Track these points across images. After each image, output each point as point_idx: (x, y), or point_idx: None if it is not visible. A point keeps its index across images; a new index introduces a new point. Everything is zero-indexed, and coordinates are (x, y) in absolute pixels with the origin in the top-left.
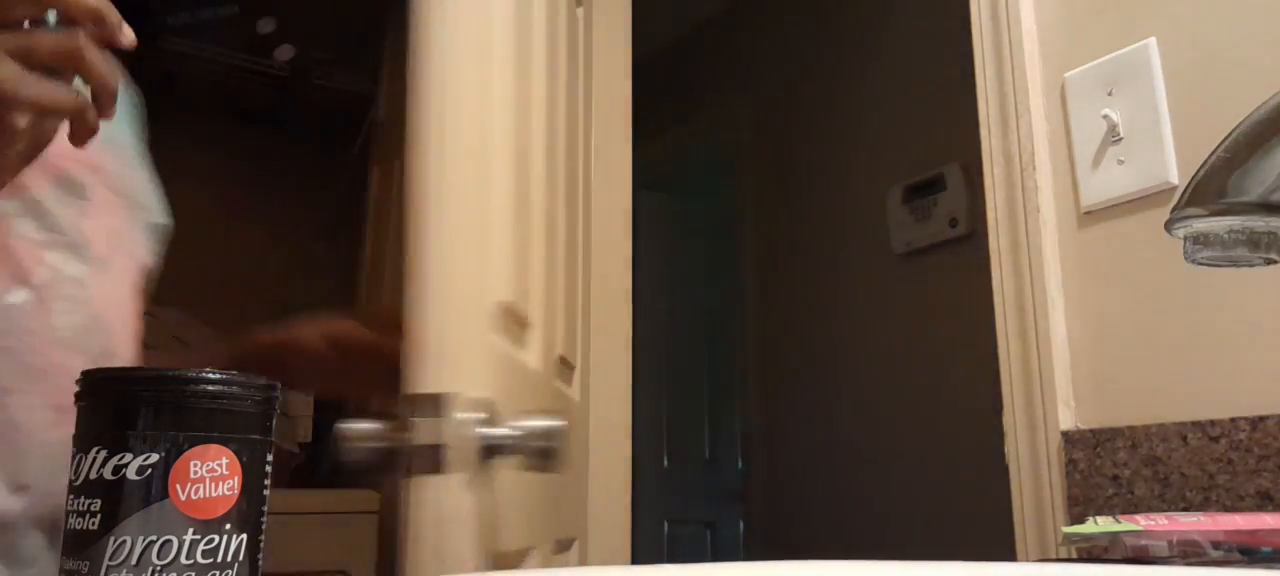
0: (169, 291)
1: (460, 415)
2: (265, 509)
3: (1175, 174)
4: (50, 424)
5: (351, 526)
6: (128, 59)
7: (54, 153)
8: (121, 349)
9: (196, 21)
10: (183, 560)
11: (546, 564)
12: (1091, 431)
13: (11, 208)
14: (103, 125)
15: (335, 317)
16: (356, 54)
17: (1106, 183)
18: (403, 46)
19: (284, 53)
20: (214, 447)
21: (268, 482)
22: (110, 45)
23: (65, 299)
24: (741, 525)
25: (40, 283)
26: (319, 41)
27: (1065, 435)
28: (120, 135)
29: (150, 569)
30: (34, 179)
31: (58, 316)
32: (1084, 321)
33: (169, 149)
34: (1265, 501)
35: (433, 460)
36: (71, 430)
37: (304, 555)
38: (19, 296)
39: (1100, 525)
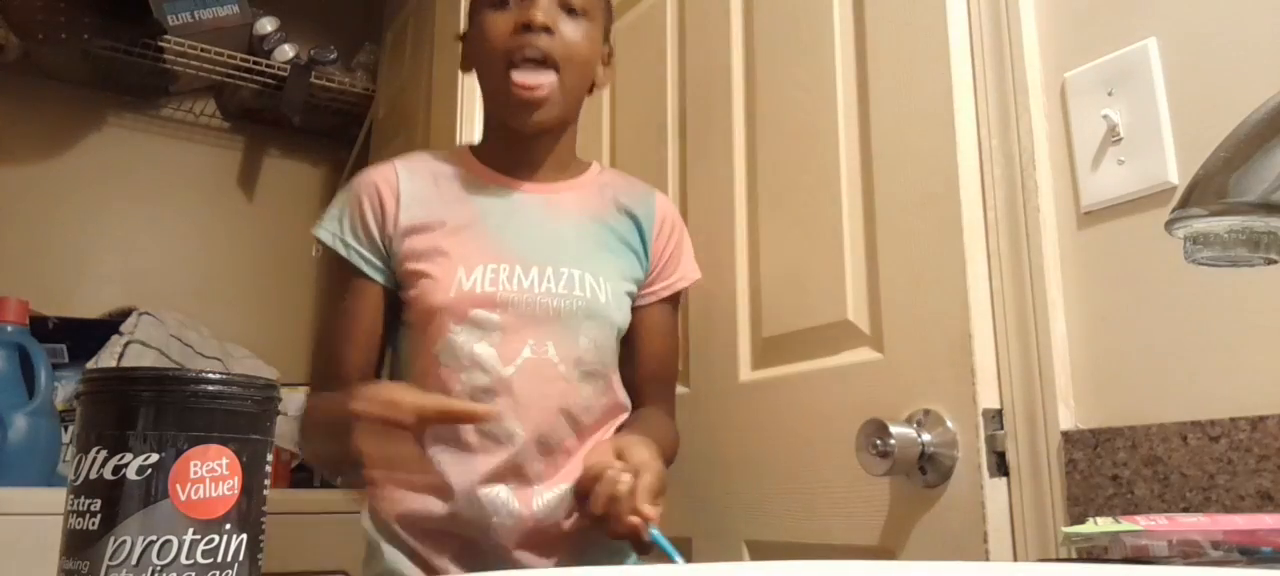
0: (169, 292)
1: None
2: (265, 509)
3: (1175, 174)
4: None
5: (351, 526)
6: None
7: None
8: None
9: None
10: (183, 560)
11: None
12: (1091, 431)
13: None
14: None
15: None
16: (356, 54)
17: (1106, 183)
18: (402, 46)
19: (283, 53)
20: (214, 448)
21: (268, 482)
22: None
23: None
24: None
25: None
26: (319, 41)
27: (1065, 435)
28: None
29: (150, 569)
30: None
31: None
32: (1084, 321)
33: (168, 149)
34: (1265, 501)
35: None
36: None
37: (304, 555)
38: None
39: (1100, 525)
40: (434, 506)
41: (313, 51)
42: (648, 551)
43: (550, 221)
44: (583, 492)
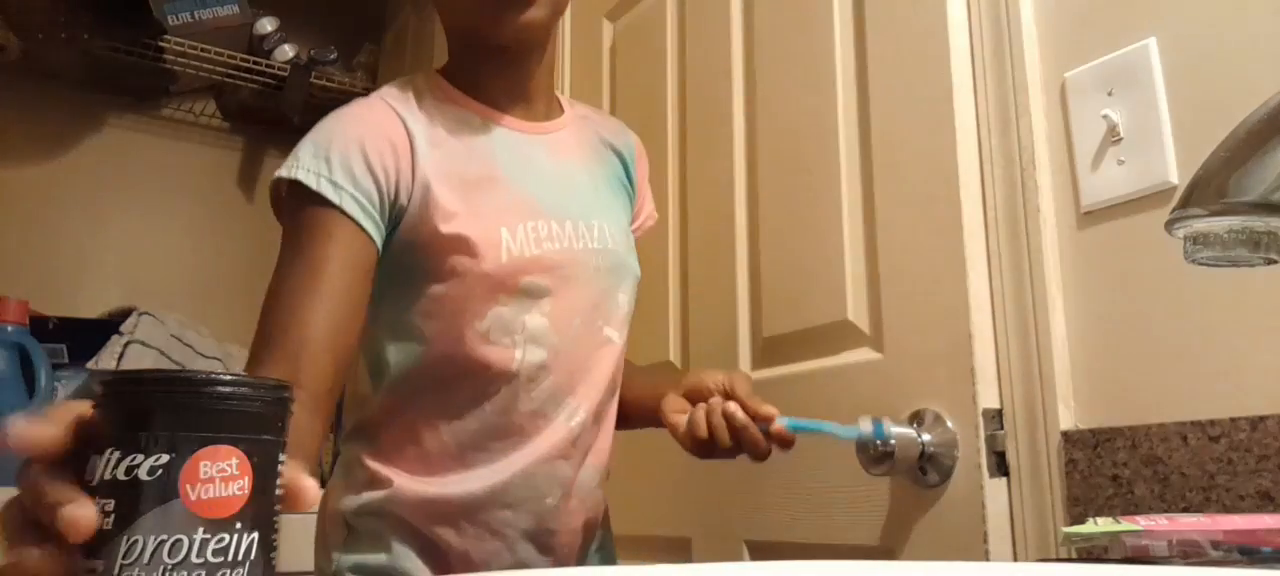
0: (169, 292)
1: None
2: (278, 509)
3: (1175, 174)
4: None
5: None
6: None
7: None
8: None
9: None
10: (193, 559)
11: None
12: (1091, 431)
13: None
14: None
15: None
16: (356, 54)
17: (1106, 183)
18: (402, 46)
19: (283, 53)
20: (223, 448)
21: (280, 483)
22: None
23: None
24: None
25: None
26: (319, 41)
27: (1065, 435)
28: None
29: (162, 567)
30: None
31: None
32: (1084, 321)
33: (168, 149)
34: (1265, 501)
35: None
36: None
37: (304, 555)
38: None
39: (1100, 525)
40: (474, 489)
41: (313, 51)
42: (791, 443)
43: (562, 167)
44: (696, 442)
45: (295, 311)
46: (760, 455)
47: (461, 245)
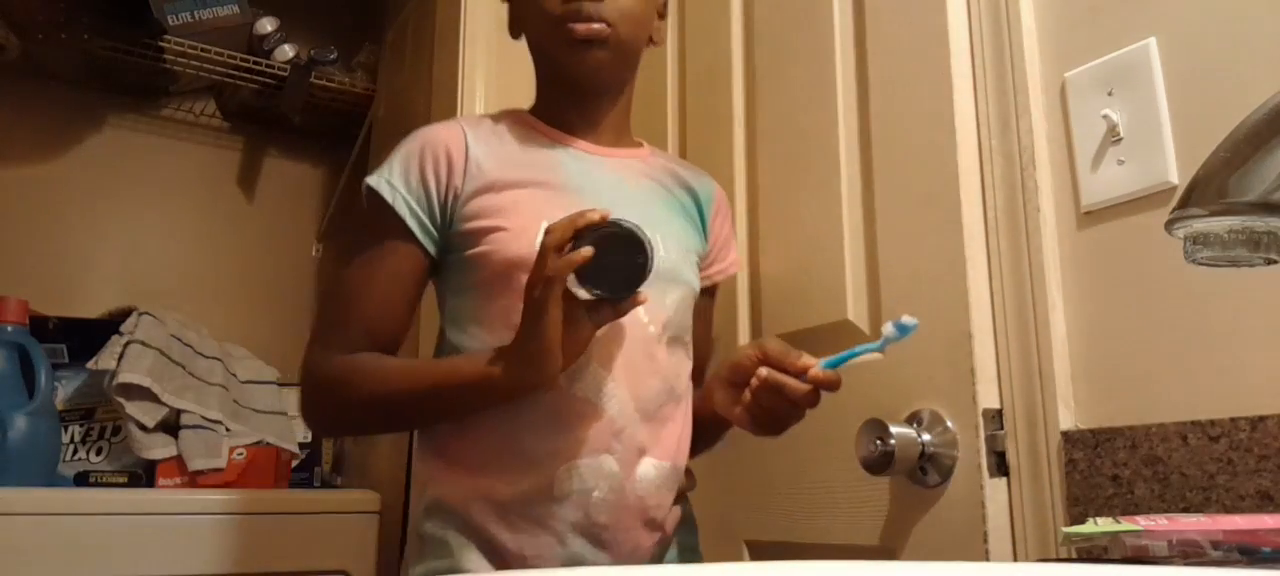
0: (168, 293)
1: None
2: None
3: (1175, 174)
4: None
5: (351, 526)
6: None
7: None
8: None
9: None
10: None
11: None
12: (1091, 431)
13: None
14: None
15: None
16: (356, 54)
17: (1106, 183)
18: (402, 46)
19: (283, 53)
20: None
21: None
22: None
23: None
24: None
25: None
26: (319, 41)
27: (1065, 435)
28: None
29: None
30: None
31: None
32: (1084, 321)
33: (168, 148)
34: (1265, 501)
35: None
36: None
37: (304, 555)
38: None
39: (1100, 525)
40: (521, 483)
41: (313, 51)
42: (836, 383)
43: (623, 182)
44: (760, 425)
45: (355, 315)
46: (809, 404)
47: (494, 233)
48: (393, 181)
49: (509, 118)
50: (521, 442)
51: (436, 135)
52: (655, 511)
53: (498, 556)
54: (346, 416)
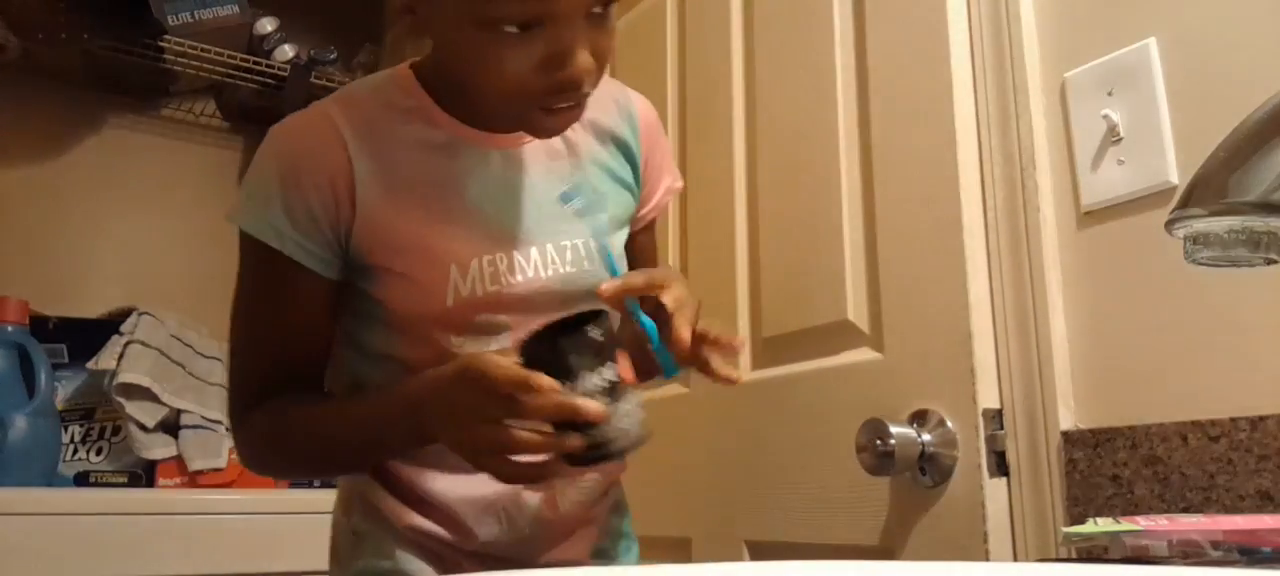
0: (167, 293)
1: None
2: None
3: (1175, 174)
4: None
5: None
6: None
7: None
8: None
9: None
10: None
11: None
12: (1091, 431)
13: None
14: None
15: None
16: (356, 54)
17: (1106, 183)
18: (402, 46)
19: (283, 53)
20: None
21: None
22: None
23: None
24: None
25: None
26: (319, 41)
27: (1065, 435)
28: None
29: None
30: None
31: None
32: (1084, 321)
33: (168, 149)
34: (1265, 501)
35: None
36: None
37: (304, 555)
38: None
39: (1100, 525)
40: (447, 528)
41: (313, 51)
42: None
43: (539, 181)
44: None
45: (274, 359)
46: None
47: (402, 282)
48: (277, 224)
49: (396, 90)
50: (434, 485)
51: (309, 149)
52: (586, 516)
53: (437, 555)
54: (294, 471)
